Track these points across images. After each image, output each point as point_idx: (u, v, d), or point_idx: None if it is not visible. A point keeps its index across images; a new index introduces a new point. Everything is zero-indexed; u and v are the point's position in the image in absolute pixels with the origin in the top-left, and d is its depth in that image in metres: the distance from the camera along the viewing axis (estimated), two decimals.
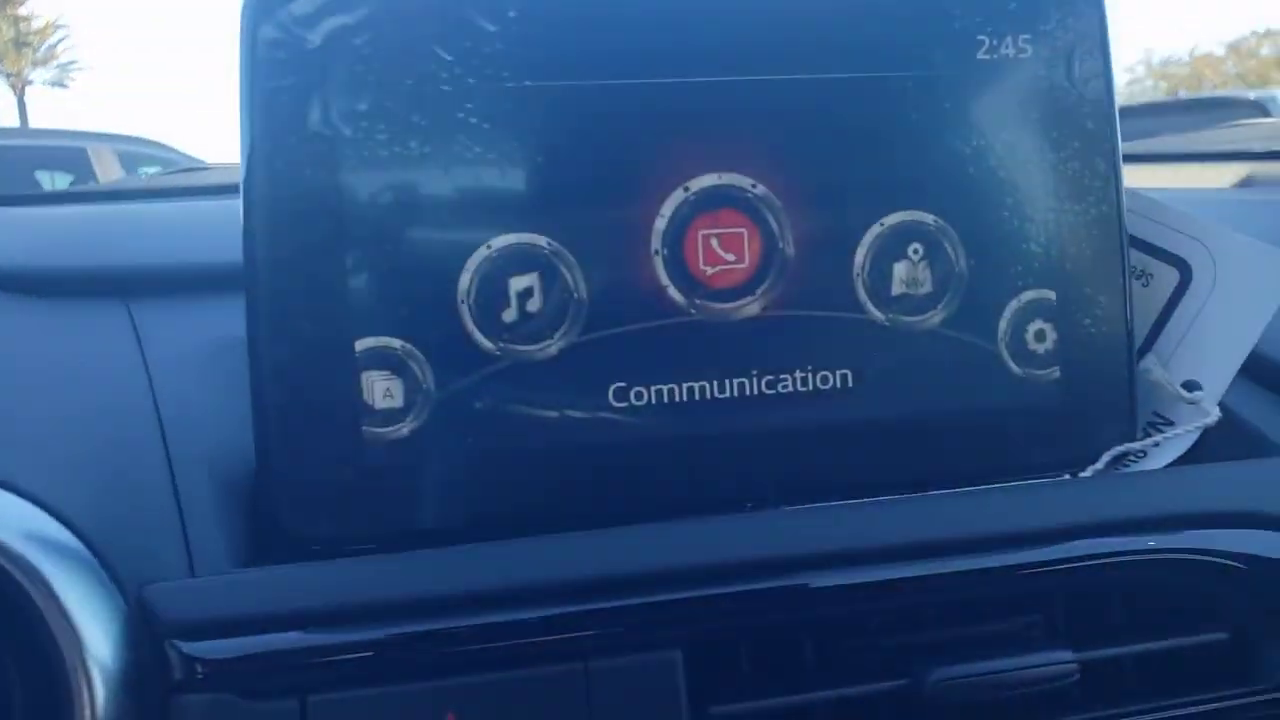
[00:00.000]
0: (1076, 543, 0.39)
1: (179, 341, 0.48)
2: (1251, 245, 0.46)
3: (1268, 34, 18.23)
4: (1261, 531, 0.41)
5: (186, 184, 0.86)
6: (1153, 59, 21.65)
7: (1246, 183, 0.86)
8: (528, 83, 0.40)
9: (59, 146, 5.08)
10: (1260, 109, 5.80)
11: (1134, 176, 0.98)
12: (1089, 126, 0.45)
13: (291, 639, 0.35)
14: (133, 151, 5.23)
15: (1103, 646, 0.40)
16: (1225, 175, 0.87)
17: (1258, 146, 0.89)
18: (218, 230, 0.46)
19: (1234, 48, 18.57)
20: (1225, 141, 0.98)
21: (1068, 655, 0.39)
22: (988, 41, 0.44)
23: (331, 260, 0.39)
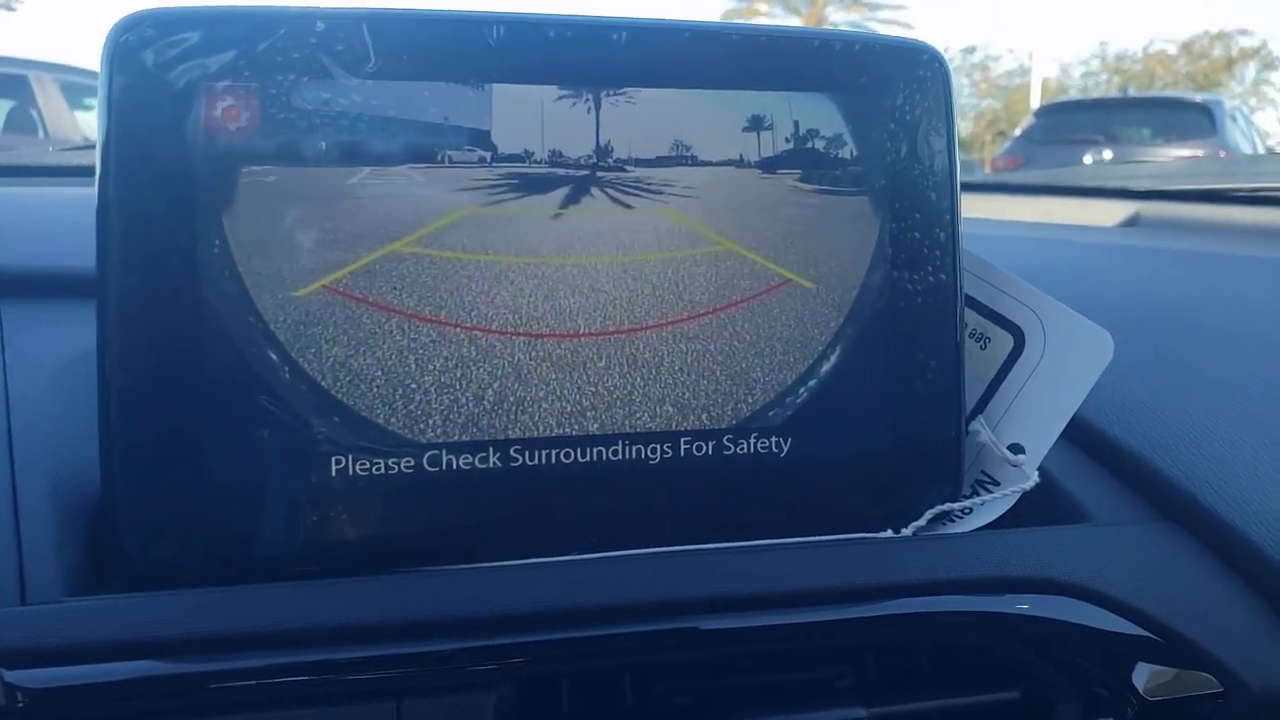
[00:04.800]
0: (883, 603, 0.42)
1: (42, 347, 0.49)
2: (1077, 320, 0.48)
3: (1220, 36, 18.45)
4: (1058, 597, 0.43)
5: (89, 162, 0.86)
6: (1108, 52, 21.86)
7: (1132, 221, 0.90)
8: (384, 133, 0.42)
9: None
10: (1206, 112, 5.94)
11: (1023, 209, 1.02)
12: (931, 198, 0.47)
13: (116, 670, 0.36)
14: (77, 83, 5.14)
15: (895, 703, 0.42)
16: (1113, 212, 0.90)
17: (1143, 186, 0.92)
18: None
19: (1187, 47, 18.78)
20: (1114, 178, 1.01)
21: (861, 713, 0.41)
22: None
23: (183, 295, 0.40)
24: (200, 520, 0.41)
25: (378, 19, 0.42)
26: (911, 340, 0.47)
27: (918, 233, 0.47)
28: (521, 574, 0.41)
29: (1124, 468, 0.50)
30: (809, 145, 0.46)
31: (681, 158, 0.44)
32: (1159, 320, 0.63)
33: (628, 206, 0.44)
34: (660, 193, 0.44)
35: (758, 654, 0.43)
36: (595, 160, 0.43)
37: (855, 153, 0.46)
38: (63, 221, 0.61)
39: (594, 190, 0.44)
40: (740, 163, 0.45)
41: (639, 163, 0.44)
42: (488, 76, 0.42)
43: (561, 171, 0.43)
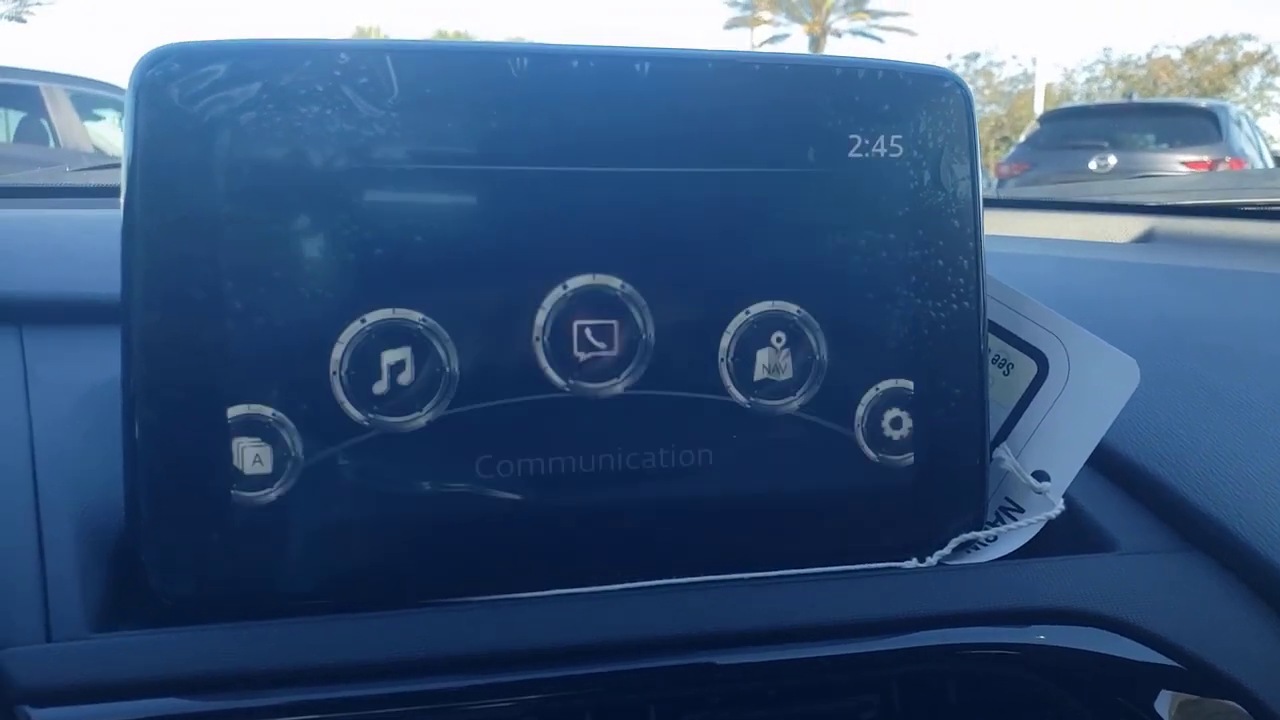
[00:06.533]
0: (908, 635, 0.42)
1: (65, 377, 0.49)
2: (1102, 347, 0.48)
3: (1224, 41, 18.43)
4: (1084, 628, 0.43)
5: (104, 183, 0.86)
6: (1111, 58, 21.83)
7: (1146, 237, 0.90)
8: (407, 166, 0.41)
9: (11, 85, 5.01)
10: (1210, 117, 5.93)
11: (1036, 224, 1.02)
12: (955, 225, 0.47)
13: (142, 708, 0.36)
14: (88, 94, 5.17)
15: None
16: (1128, 228, 0.90)
17: (1156, 200, 0.91)
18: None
19: (1191, 52, 18.77)
20: (1128, 192, 1.00)
21: None
22: (860, 140, 0.45)
23: (207, 329, 0.40)
24: (226, 555, 0.41)
25: (401, 51, 0.42)
26: (934, 368, 0.47)
27: (941, 260, 0.46)
28: (542, 607, 0.41)
29: (1151, 495, 0.50)
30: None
31: None
32: (1182, 342, 0.62)
33: None
34: None
35: (782, 687, 0.43)
36: None
37: (878, 178, 0.46)
38: (84, 245, 0.61)
39: None
40: None
41: None
42: (511, 109, 0.42)
43: None
